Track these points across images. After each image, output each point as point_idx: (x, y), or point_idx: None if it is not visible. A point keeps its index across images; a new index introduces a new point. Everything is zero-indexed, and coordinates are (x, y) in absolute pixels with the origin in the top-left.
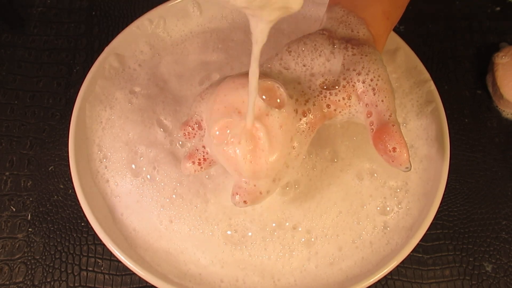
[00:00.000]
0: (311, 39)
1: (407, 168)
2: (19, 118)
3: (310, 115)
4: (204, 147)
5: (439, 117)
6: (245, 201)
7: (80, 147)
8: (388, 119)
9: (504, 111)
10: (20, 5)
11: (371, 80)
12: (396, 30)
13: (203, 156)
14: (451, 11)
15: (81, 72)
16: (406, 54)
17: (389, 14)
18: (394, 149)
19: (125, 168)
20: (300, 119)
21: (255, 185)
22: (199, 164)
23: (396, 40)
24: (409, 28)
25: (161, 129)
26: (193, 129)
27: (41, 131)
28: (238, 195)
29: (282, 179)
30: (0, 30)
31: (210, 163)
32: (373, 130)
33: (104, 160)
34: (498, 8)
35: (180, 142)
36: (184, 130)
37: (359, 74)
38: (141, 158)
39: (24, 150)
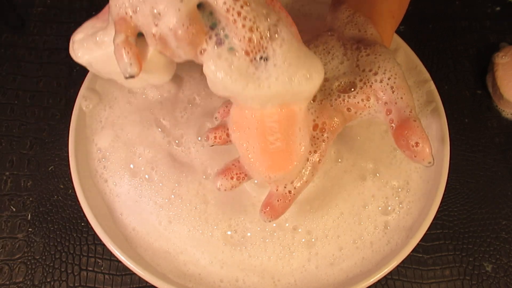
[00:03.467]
0: (322, 42)
1: (429, 163)
2: (19, 118)
3: (331, 121)
4: (239, 161)
5: (439, 117)
6: (272, 217)
7: (80, 147)
8: (409, 114)
9: (504, 111)
10: (20, 5)
11: (389, 78)
12: (396, 30)
13: (241, 170)
14: (451, 11)
15: (81, 72)
16: (406, 54)
17: (394, 13)
18: (416, 144)
19: (124, 168)
20: (320, 126)
21: (278, 200)
22: (238, 179)
23: (396, 40)
24: (409, 28)
25: (159, 129)
26: (221, 137)
27: (41, 131)
28: (264, 212)
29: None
30: (0, 30)
31: (249, 177)
32: (393, 127)
33: (103, 160)
34: (498, 8)
35: (177, 141)
36: (215, 134)
37: (375, 74)
38: (140, 158)
39: (24, 150)
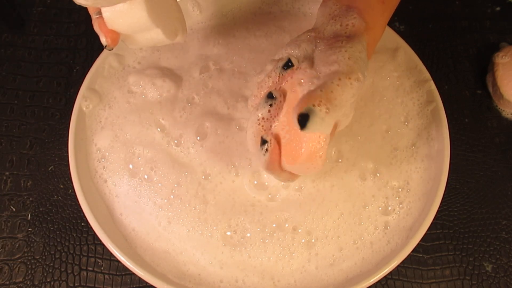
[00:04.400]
0: (297, 45)
1: None
2: (19, 118)
3: None
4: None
5: (439, 117)
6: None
7: (79, 147)
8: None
9: (504, 111)
10: (20, 5)
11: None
12: (396, 30)
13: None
14: (451, 11)
15: (81, 72)
16: (406, 54)
17: None
18: None
19: (123, 169)
20: None
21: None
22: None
23: (396, 40)
24: (409, 28)
25: (159, 129)
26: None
27: (41, 131)
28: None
29: None
30: (0, 30)
31: None
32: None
33: (103, 160)
34: (498, 8)
35: (176, 141)
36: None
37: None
38: (139, 159)
39: (24, 150)
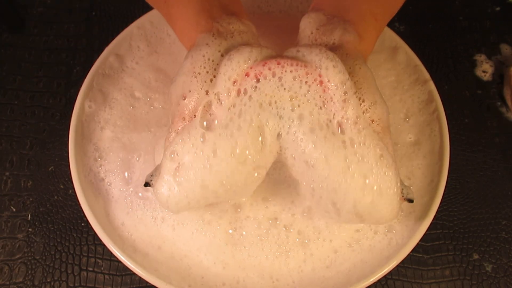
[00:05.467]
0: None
1: None
2: (19, 118)
3: None
4: None
5: (439, 117)
6: None
7: (79, 147)
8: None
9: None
10: (20, 5)
11: None
12: (396, 30)
13: None
14: (451, 11)
15: (81, 72)
16: (406, 54)
17: (377, 16)
18: None
19: (123, 170)
20: None
21: None
22: None
23: (396, 40)
24: (409, 28)
25: (160, 134)
26: None
27: (41, 131)
28: None
29: None
30: (0, 30)
31: None
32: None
33: (103, 160)
34: (498, 8)
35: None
36: None
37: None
38: (137, 159)
39: (24, 150)
